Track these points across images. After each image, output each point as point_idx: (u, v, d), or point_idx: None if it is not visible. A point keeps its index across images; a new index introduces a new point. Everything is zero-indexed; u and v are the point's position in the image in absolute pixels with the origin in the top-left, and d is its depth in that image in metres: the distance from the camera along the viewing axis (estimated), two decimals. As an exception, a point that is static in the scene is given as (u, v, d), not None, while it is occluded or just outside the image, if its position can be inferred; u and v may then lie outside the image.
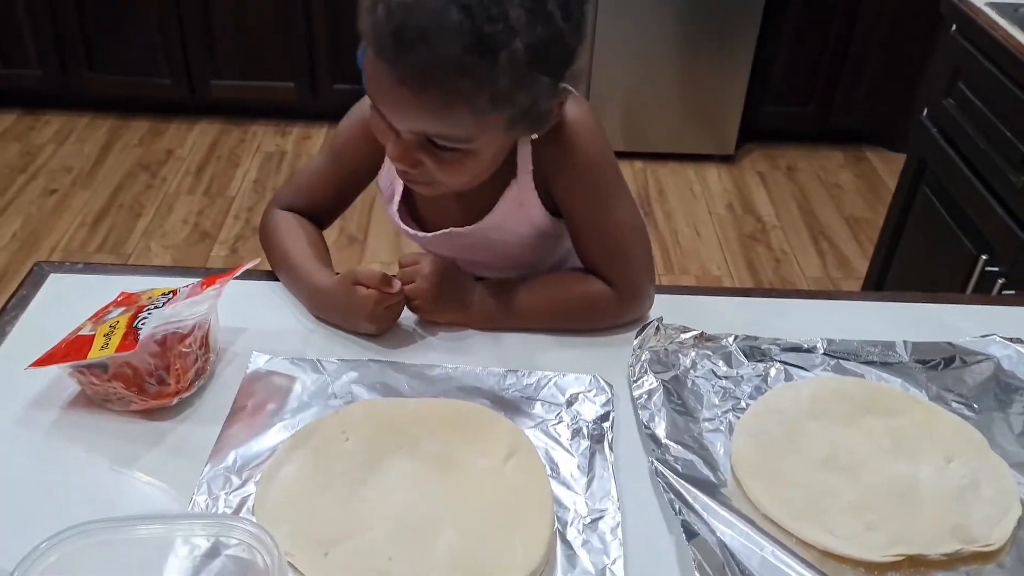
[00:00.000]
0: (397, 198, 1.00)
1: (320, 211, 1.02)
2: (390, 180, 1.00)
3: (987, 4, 1.61)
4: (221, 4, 2.90)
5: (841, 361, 0.88)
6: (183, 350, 0.78)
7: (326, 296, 0.90)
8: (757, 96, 2.93)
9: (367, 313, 0.87)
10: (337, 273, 0.91)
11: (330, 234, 2.78)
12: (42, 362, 0.77)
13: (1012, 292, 1.43)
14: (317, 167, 1.02)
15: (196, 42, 2.96)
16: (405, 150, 0.79)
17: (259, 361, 0.85)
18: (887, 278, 1.89)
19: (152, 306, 0.79)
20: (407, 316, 0.92)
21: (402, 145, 0.79)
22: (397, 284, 0.88)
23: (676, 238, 2.65)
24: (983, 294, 1.48)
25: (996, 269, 1.48)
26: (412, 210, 1.01)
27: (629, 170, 2.97)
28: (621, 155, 2.96)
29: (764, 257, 2.58)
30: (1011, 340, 0.89)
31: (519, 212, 0.94)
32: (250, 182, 2.83)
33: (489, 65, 0.71)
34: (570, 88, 0.83)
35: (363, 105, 0.95)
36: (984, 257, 1.51)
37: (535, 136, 0.86)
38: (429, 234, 0.99)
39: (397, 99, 0.75)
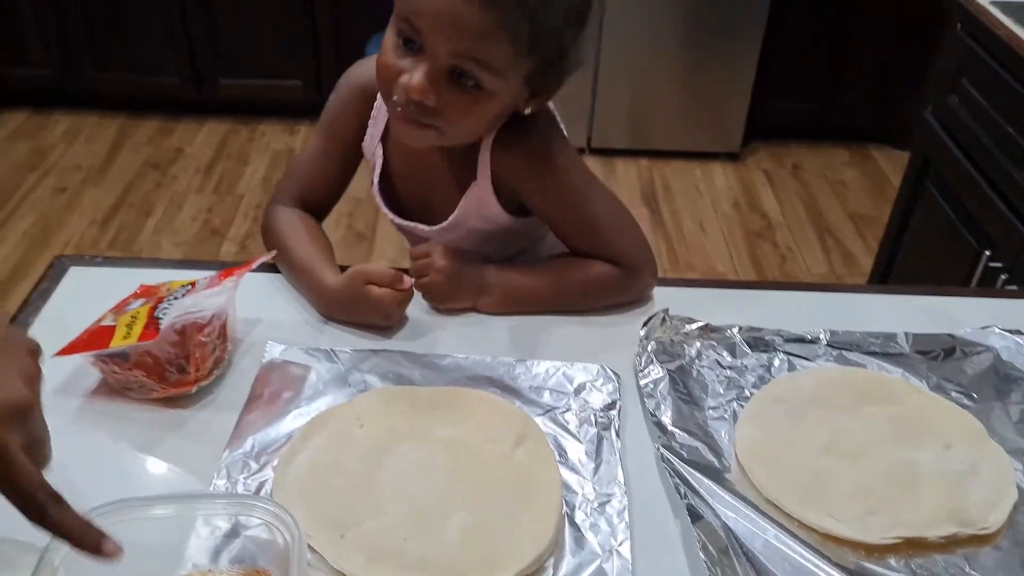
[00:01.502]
0: (377, 171, 1.01)
1: (320, 195, 1.03)
2: (372, 151, 1.01)
3: (992, 3, 1.63)
4: (226, 2, 2.93)
5: (843, 352, 0.90)
6: (202, 339, 0.80)
7: (336, 295, 0.91)
8: (763, 93, 2.94)
9: (381, 313, 0.89)
10: (343, 268, 0.93)
11: (337, 231, 2.81)
12: (65, 351, 0.80)
13: (1015, 287, 1.44)
14: (311, 150, 1.03)
15: (202, 40, 2.99)
16: (433, 77, 0.79)
17: (275, 351, 0.87)
18: (891, 274, 1.90)
19: (172, 297, 0.81)
20: (420, 307, 0.94)
21: (430, 72, 0.79)
22: (408, 280, 0.90)
23: (682, 235, 2.66)
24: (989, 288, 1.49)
25: (999, 265, 1.50)
26: (389, 188, 1.02)
27: (634, 168, 2.99)
28: (627, 152, 3.01)
29: (770, 254, 2.60)
30: (1010, 332, 0.91)
31: (480, 210, 0.96)
32: (259, 180, 2.86)
33: (545, 3, 0.76)
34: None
35: (349, 78, 0.99)
36: (987, 253, 1.52)
37: (528, 111, 0.89)
38: (398, 219, 1.02)
39: (450, 12, 0.76)
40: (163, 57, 3.02)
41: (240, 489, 0.72)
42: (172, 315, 0.78)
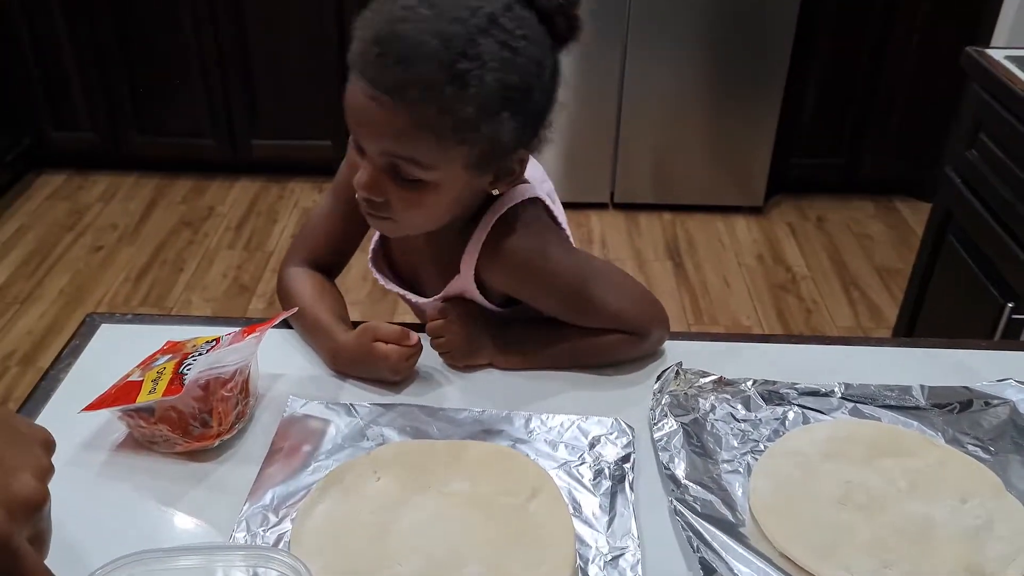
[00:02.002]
0: (374, 239, 1.04)
1: (331, 254, 1.06)
2: None
3: (1006, 57, 1.65)
4: (262, 68, 3.04)
5: (858, 405, 0.90)
6: (225, 394, 0.82)
7: (346, 352, 0.93)
8: (785, 148, 2.97)
9: (389, 367, 0.92)
10: (355, 324, 0.96)
11: (363, 287, 2.84)
12: (93, 406, 0.82)
13: (1038, 339, 1.43)
14: (322, 210, 1.06)
15: (238, 104, 3.09)
16: (372, 175, 0.83)
17: (296, 405, 0.89)
18: (916, 327, 1.89)
19: (196, 353, 0.84)
20: (436, 362, 0.96)
21: (369, 170, 0.83)
22: (414, 336, 0.92)
23: (706, 289, 2.67)
24: (1006, 340, 1.48)
25: (1023, 317, 1.49)
26: (387, 253, 1.05)
27: (658, 222, 3.01)
28: (650, 207, 3.04)
29: (795, 307, 2.59)
30: (1027, 384, 0.91)
31: (465, 297, 0.97)
32: (288, 237, 2.92)
33: (457, 92, 0.77)
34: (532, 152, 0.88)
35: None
36: (1010, 305, 1.51)
37: (497, 192, 0.90)
38: (388, 284, 1.04)
39: (367, 115, 0.80)
40: (201, 120, 3.12)
41: (259, 541, 0.73)
42: (196, 370, 0.80)
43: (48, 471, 0.58)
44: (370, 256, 1.05)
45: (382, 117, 0.79)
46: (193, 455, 0.83)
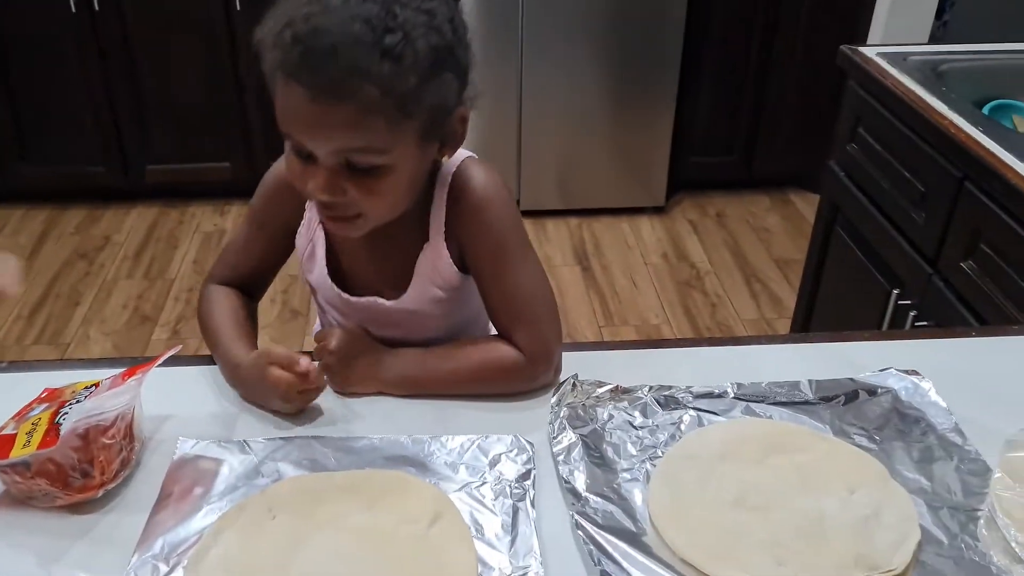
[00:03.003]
0: (321, 253, 1.02)
1: (250, 279, 1.06)
2: (309, 238, 1.02)
3: (878, 54, 1.72)
4: (151, 90, 2.94)
5: (750, 404, 0.92)
6: (106, 442, 0.79)
7: (242, 372, 0.92)
8: (683, 148, 3.04)
9: (280, 394, 0.89)
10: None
11: (272, 309, 2.78)
12: (-35, 465, 0.78)
13: (924, 324, 1.49)
14: (240, 237, 1.06)
15: (129, 129, 2.99)
16: (327, 178, 0.82)
17: (186, 446, 0.86)
18: (813, 315, 1.96)
19: (74, 400, 0.80)
20: (334, 391, 0.94)
21: (323, 173, 0.82)
22: (304, 364, 0.88)
23: (614, 290, 2.71)
24: (894, 329, 1.55)
25: (908, 302, 1.55)
26: (335, 272, 1.03)
27: (565, 227, 3.04)
28: (557, 213, 3.07)
29: (700, 302, 2.65)
30: (907, 372, 0.94)
31: (433, 276, 0.97)
32: (189, 263, 2.84)
33: (394, 67, 0.77)
34: (471, 105, 0.89)
35: (273, 171, 1.01)
36: (896, 291, 1.58)
37: (447, 158, 0.92)
38: (354, 298, 1.01)
39: (313, 118, 0.79)
40: (91, 147, 3.01)
41: (149, 594, 0.71)
42: (73, 419, 0.77)
43: None
44: (322, 267, 1.01)
45: (328, 116, 0.78)
46: (76, 507, 0.79)
